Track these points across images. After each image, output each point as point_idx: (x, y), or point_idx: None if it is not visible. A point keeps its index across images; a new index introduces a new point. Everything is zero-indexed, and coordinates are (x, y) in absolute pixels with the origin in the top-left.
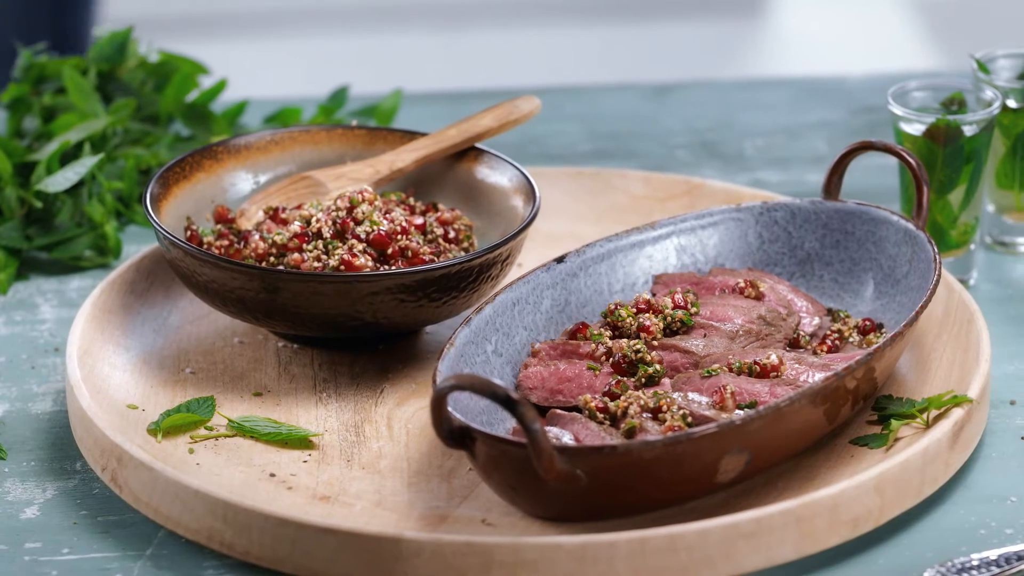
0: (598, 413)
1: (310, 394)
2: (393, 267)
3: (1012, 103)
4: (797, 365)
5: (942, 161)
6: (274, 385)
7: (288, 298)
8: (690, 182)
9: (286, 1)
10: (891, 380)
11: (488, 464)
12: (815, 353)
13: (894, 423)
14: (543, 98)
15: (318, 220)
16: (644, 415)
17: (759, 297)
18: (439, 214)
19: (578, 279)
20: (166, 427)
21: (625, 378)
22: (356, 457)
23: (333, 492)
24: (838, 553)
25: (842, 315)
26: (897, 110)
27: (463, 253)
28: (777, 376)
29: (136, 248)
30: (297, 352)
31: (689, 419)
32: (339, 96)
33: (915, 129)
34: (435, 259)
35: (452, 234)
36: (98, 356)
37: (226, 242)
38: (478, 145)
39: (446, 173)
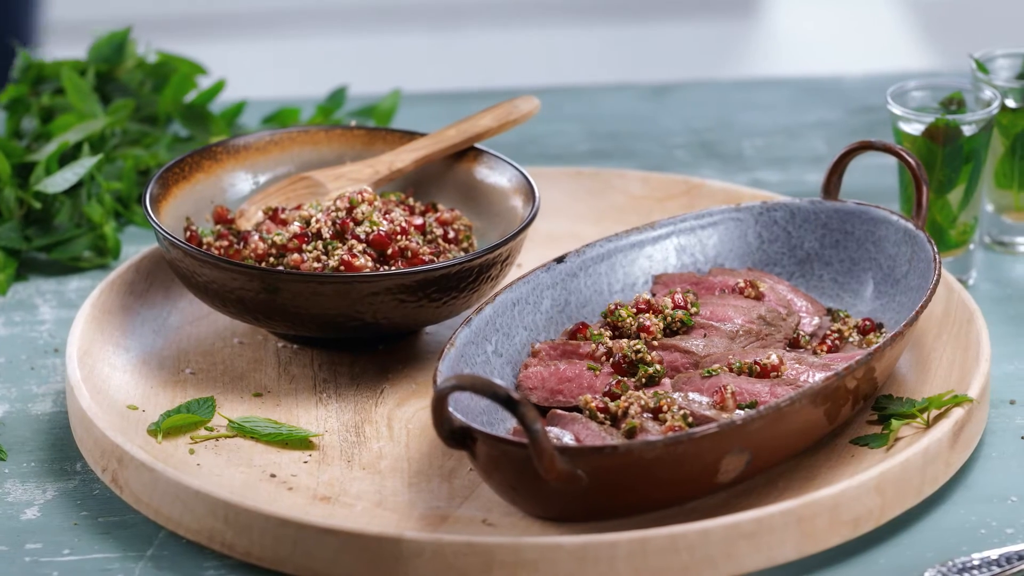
0: (599, 413)
1: (310, 394)
2: (393, 267)
3: (1011, 103)
4: (797, 365)
5: (941, 161)
6: (274, 386)
7: (288, 298)
8: (689, 182)
9: (283, 1)
10: (891, 380)
11: (489, 464)
12: (815, 353)
13: (894, 423)
14: (541, 98)
15: (318, 220)
16: (645, 415)
17: (759, 297)
18: (438, 214)
19: (578, 279)
20: (166, 428)
21: (625, 378)
22: (356, 457)
23: (334, 492)
24: (839, 553)
25: (842, 315)
26: (896, 110)
27: (463, 253)
28: (777, 376)
29: (135, 249)
30: (297, 352)
31: (690, 419)
32: (337, 96)
33: (914, 129)
34: (435, 259)
35: (452, 234)
36: (98, 357)
37: (225, 243)
38: (477, 145)
39: (445, 173)
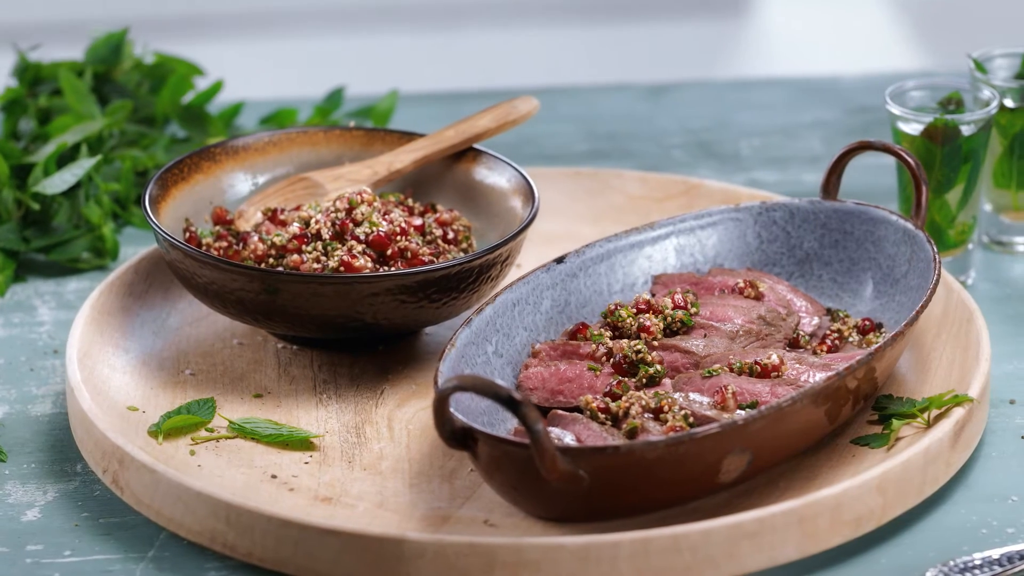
0: (599, 414)
1: (310, 395)
2: (393, 268)
3: (1009, 102)
4: (798, 365)
5: (940, 161)
6: (274, 386)
7: (288, 299)
8: (687, 182)
9: (279, 1)
10: (891, 380)
11: (490, 465)
12: (815, 353)
13: (895, 423)
14: (539, 98)
15: (317, 221)
16: (646, 415)
17: (759, 297)
18: (438, 215)
19: (578, 279)
20: (167, 429)
21: (626, 378)
22: (357, 458)
23: (335, 493)
24: (840, 553)
25: (841, 315)
26: (895, 110)
27: (462, 254)
28: (778, 376)
29: (133, 250)
30: (297, 353)
31: (691, 419)
32: (335, 97)
33: (913, 129)
34: (434, 260)
35: (451, 235)
36: (98, 358)
37: (225, 243)
38: (476, 146)
39: (444, 174)
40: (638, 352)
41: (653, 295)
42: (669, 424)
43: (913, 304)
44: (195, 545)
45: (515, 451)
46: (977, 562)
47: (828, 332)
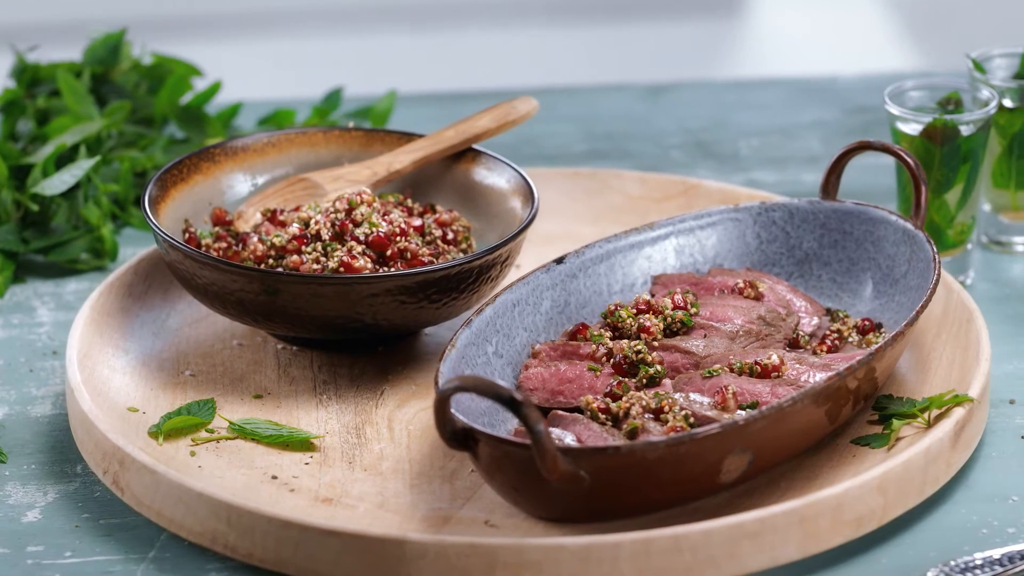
0: (600, 414)
1: (310, 396)
2: (392, 269)
3: (1008, 102)
4: (798, 365)
5: (939, 161)
6: (274, 387)
7: (288, 300)
8: (686, 182)
9: (276, 2)
10: (891, 380)
11: (491, 465)
12: (815, 353)
13: (895, 423)
14: (537, 98)
15: (317, 222)
16: (646, 416)
17: (758, 297)
18: (437, 215)
19: (577, 280)
20: (167, 430)
21: (626, 379)
22: (358, 459)
23: (335, 494)
24: (841, 553)
25: (841, 315)
26: (894, 110)
27: (461, 255)
28: (778, 376)
29: (132, 251)
30: (296, 354)
31: (691, 420)
32: (333, 98)
33: (912, 129)
34: (434, 261)
35: (450, 235)
36: (97, 359)
37: (224, 244)
38: (476, 146)
39: (444, 174)
40: (638, 352)
41: (653, 295)
42: (670, 424)
43: (913, 304)
44: (196, 546)
45: (516, 452)
46: (978, 562)
47: (828, 332)
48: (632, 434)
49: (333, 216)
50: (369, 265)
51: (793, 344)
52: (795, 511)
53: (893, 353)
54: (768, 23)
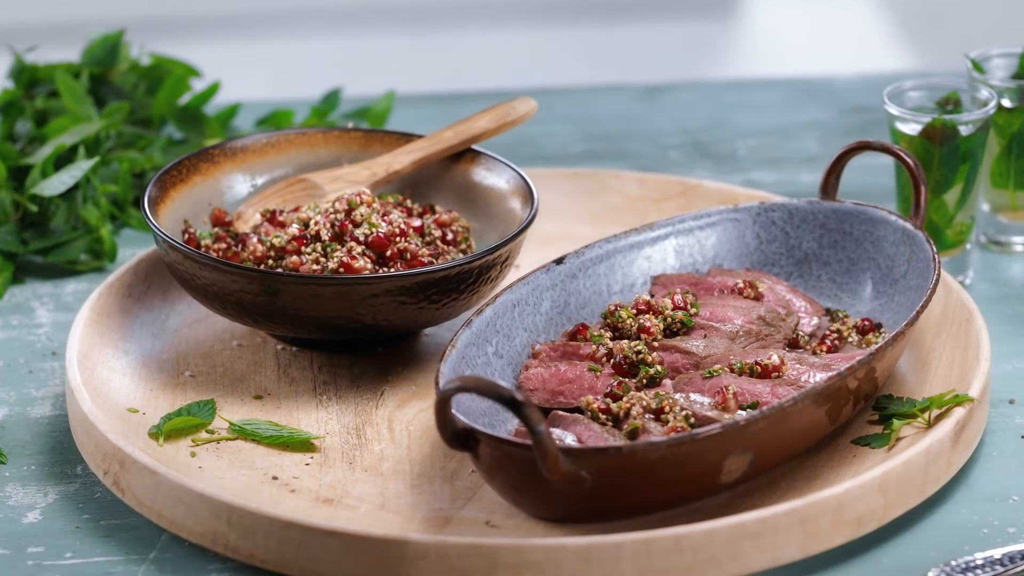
0: (600, 414)
1: (310, 397)
2: (392, 269)
3: (1007, 102)
4: (798, 365)
5: (938, 161)
6: (274, 388)
7: (288, 300)
8: (685, 183)
9: (272, 3)
10: (891, 380)
11: (492, 466)
12: (815, 353)
13: (896, 423)
14: (534, 99)
15: (316, 223)
16: (647, 416)
17: (758, 297)
18: (436, 216)
19: (577, 280)
20: (167, 431)
21: (626, 379)
22: (358, 460)
23: (336, 495)
24: (842, 553)
25: (840, 315)
26: (893, 110)
27: (461, 255)
28: (778, 376)
29: (131, 252)
30: (296, 355)
31: (692, 420)
32: (331, 98)
33: (911, 129)
34: (434, 261)
35: (450, 236)
36: (97, 360)
37: (223, 245)
38: (475, 147)
39: (443, 175)
40: (638, 353)
41: (652, 296)
42: (670, 425)
43: (912, 304)
44: (196, 547)
45: (517, 452)
46: (979, 562)
47: (827, 332)
48: (633, 434)
49: (333, 217)
50: (369, 266)
51: (793, 344)
52: (796, 511)
53: (893, 353)
54: (764, 24)
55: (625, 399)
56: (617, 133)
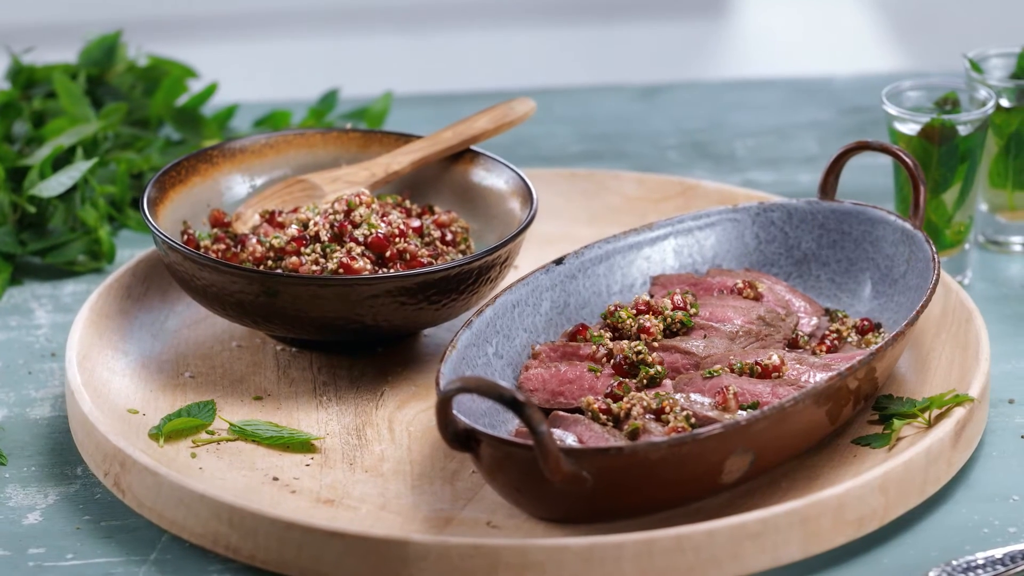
0: (601, 415)
1: (310, 398)
2: (391, 270)
3: (1005, 102)
4: (798, 365)
5: (937, 161)
6: (274, 389)
7: (288, 301)
8: (684, 183)
9: (269, 3)
10: (891, 380)
11: (493, 466)
12: (814, 353)
13: (896, 423)
14: (532, 99)
15: (316, 223)
16: (647, 416)
17: (757, 298)
18: (436, 217)
19: (577, 281)
20: (168, 432)
21: (627, 379)
22: (359, 460)
23: (337, 495)
24: (843, 553)
25: (840, 315)
26: (892, 110)
27: (460, 256)
28: (779, 377)
29: (129, 252)
30: (296, 356)
31: (692, 420)
32: (329, 99)
33: (910, 129)
34: (433, 262)
35: (449, 236)
36: (97, 361)
37: (223, 246)
38: (474, 147)
39: (442, 176)
40: (638, 353)
41: (652, 296)
42: (671, 425)
43: (912, 304)
44: (197, 547)
45: (518, 452)
46: (980, 562)
47: (827, 332)
48: (633, 435)
49: (332, 217)
50: (368, 266)
51: (792, 344)
52: (797, 511)
53: (893, 353)
54: (762, 24)
55: (626, 399)
56: (615, 133)
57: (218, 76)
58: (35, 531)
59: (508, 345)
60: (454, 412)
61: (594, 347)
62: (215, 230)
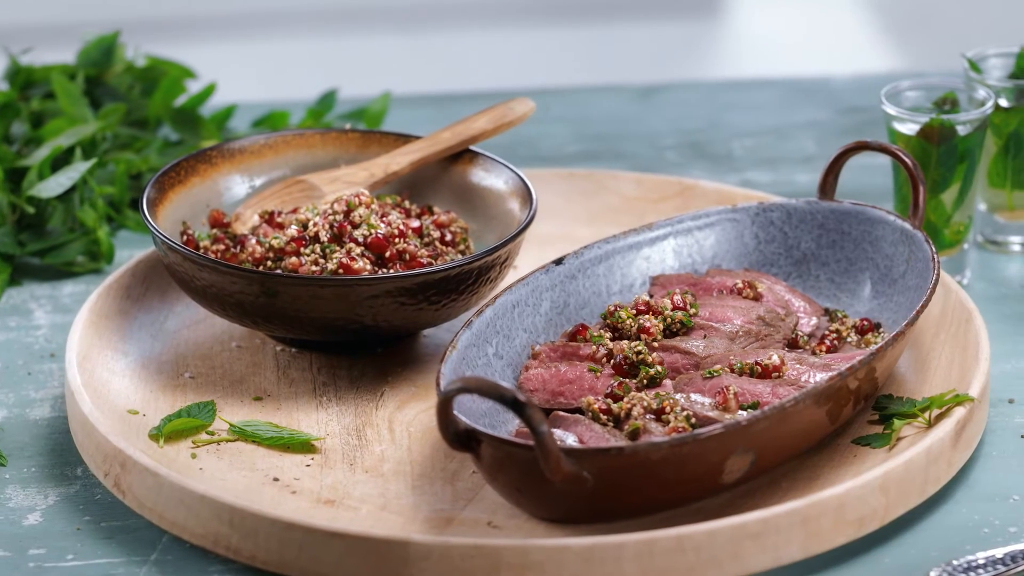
0: (601, 415)
1: (310, 398)
2: (391, 270)
3: (1004, 102)
4: (798, 365)
5: (936, 161)
6: (274, 389)
7: (287, 302)
8: (682, 183)
9: (266, 4)
10: (890, 380)
11: (494, 466)
12: (814, 353)
13: (896, 422)
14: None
15: (315, 224)
16: (648, 416)
17: (757, 298)
18: (435, 217)
19: (576, 281)
20: (168, 432)
21: (627, 380)
22: (359, 461)
23: (337, 496)
24: (844, 553)
25: (839, 315)
26: (891, 110)
27: (460, 256)
28: (779, 377)
29: (128, 253)
30: (295, 356)
31: (693, 420)
32: (327, 99)
33: (909, 129)
34: (433, 262)
35: (448, 237)
36: (97, 361)
37: (222, 246)
38: (473, 148)
39: (441, 176)
40: (639, 353)
41: (651, 296)
42: (671, 425)
43: (911, 304)
44: (198, 548)
45: (519, 453)
46: (981, 561)
47: (827, 332)
48: (634, 435)
49: (331, 218)
50: (368, 267)
51: (792, 344)
52: (797, 511)
53: (893, 353)
54: (758, 24)
55: (626, 399)
56: (613, 134)
57: (216, 76)
58: (35, 532)
59: (508, 345)
60: (455, 412)
61: (594, 347)
62: (214, 231)
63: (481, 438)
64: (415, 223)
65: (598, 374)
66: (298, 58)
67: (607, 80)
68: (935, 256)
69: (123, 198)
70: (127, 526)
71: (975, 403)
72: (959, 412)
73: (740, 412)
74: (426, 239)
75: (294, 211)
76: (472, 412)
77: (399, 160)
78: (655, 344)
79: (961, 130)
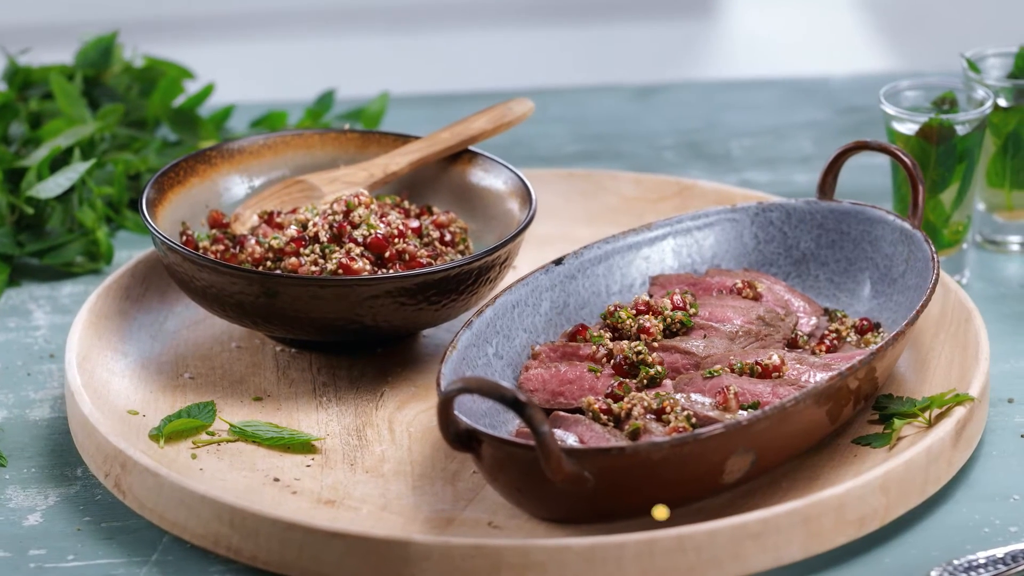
0: (601, 415)
1: (310, 398)
2: (391, 271)
3: (1002, 102)
4: (798, 365)
5: (935, 160)
6: (273, 389)
7: (287, 302)
8: (681, 183)
9: (265, 4)
10: (890, 379)
11: (494, 466)
12: (814, 353)
13: (896, 422)
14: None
15: (314, 224)
16: (648, 416)
17: (757, 297)
18: (434, 217)
19: (576, 281)
20: (168, 433)
21: (627, 380)
22: (359, 461)
23: (338, 496)
24: (844, 552)
25: (839, 315)
26: (890, 110)
27: (459, 256)
28: (779, 376)
29: (127, 254)
30: (295, 356)
31: (693, 420)
32: (326, 100)
33: (908, 128)
34: (432, 262)
35: (448, 237)
36: (96, 362)
37: (222, 247)
38: (472, 148)
39: (440, 176)
40: (638, 353)
41: (651, 296)
42: (672, 425)
43: (911, 304)
44: (198, 548)
45: (520, 453)
46: (981, 561)
47: (826, 332)
48: (634, 435)
49: (331, 218)
50: (368, 267)
51: (792, 344)
52: (798, 511)
53: (893, 353)
54: (756, 24)
55: (626, 399)
56: (611, 134)
57: (215, 77)
58: (36, 532)
59: (508, 345)
60: (455, 412)
61: (594, 347)
62: (214, 231)
63: (482, 438)
64: (414, 223)
65: (598, 374)
66: (296, 58)
67: (606, 80)
68: (934, 256)
69: (122, 198)
70: (127, 526)
71: (975, 403)
72: (959, 412)
73: (740, 412)
74: (425, 239)
75: (293, 211)
76: (472, 412)
77: (398, 160)
78: (655, 344)
79: (960, 130)
